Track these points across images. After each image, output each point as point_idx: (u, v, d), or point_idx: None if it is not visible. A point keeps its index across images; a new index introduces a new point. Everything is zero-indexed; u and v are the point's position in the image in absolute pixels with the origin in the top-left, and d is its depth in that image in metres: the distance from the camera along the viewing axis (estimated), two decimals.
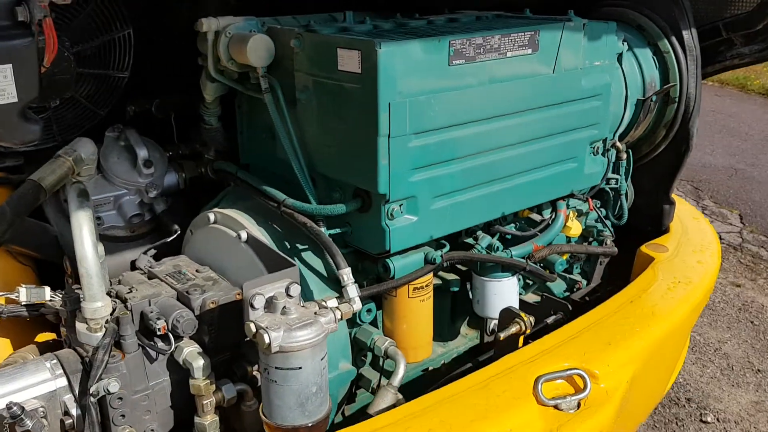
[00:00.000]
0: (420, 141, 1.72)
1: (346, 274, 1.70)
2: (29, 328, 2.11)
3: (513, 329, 1.88)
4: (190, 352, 1.70)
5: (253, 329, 1.54)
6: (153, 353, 1.73)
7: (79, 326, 1.69)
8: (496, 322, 2.19)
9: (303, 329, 1.53)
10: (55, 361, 1.68)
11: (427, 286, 1.89)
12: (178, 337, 1.71)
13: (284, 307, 1.57)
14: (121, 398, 1.65)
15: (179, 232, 2.15)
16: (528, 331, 1.89)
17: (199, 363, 1.67)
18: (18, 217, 1.85)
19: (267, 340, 1.49)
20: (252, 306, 1.57)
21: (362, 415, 1.80)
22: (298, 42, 1.73)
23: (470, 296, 2.17)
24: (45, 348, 1.98)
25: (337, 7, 2.26)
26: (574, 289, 2.51)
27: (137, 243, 2.20)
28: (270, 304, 1.59)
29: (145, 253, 2.17)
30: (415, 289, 1.85)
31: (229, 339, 1.83)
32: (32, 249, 2.11)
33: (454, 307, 2.31)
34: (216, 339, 1.79)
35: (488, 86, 1.82)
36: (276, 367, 1.54)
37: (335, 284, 1.87)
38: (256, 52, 1.74)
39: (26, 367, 1.65)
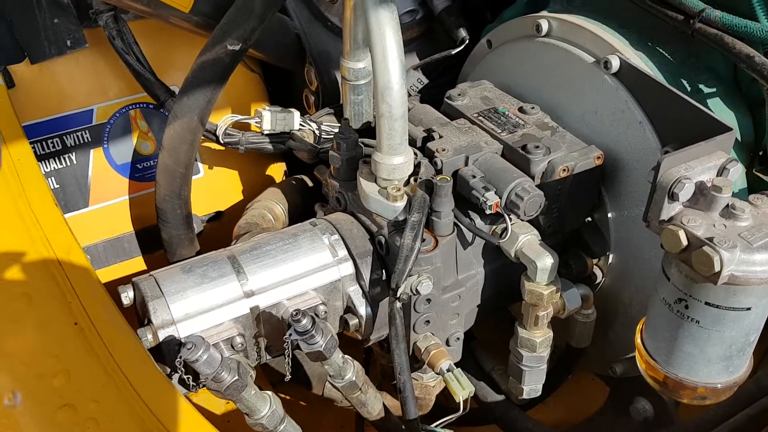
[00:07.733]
0: None
1: None
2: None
3: None
4: (529, 242, 1.12)
5: (684, 241, 0.91)
6: (468, 236, 1.17)
7: (368, 187, 1.13)
8: None
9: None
10: (336, 236, 1.14)
11: None
12: (510, 217, 1.13)
13: (730, 205, 0.92)
14: (429, 300, 1.12)
15: (467, 41, 1.49)
16: None
17: (546, 262, 1.10)
18: (270, 9, 1.24)
19: (717, 265, 0.87)
20: (672, 196, 0.93)
21: None
22: None
23: None
24: (291, 193, 1.46)
25: None
26: None
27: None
28: (701, 197, 0.94)
29: (415, 68, 1.54)
30: None
31: (573, 220, 1.23)
32: (266, 52, 1.52)
33: None
34: (557, 220, 1.19)
35: None
36: (707, 303, 0.93)
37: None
38: None
39: (298, 243, 1.13)
